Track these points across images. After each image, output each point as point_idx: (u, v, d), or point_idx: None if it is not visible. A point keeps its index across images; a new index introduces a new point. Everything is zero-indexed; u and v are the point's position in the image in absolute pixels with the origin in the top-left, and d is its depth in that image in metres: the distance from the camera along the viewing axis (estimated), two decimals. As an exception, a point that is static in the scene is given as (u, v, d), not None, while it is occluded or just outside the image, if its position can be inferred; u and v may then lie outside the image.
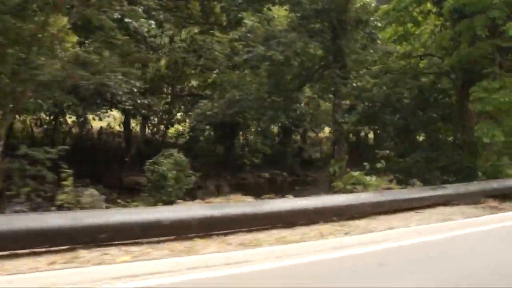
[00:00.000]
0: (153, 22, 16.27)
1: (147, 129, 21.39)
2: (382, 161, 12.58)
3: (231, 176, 23.05)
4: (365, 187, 10.81)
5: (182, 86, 23.51)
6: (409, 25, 18.54)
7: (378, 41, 13.89)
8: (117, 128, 22.11)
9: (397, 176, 16.00)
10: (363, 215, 9.27)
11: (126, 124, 20.46)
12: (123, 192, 17.32)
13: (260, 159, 18.51)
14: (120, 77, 15.97)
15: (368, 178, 10.93)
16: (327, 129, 26.22)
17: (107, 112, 17.56)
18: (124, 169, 20.25)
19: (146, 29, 16.15)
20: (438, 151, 15.76)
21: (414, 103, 16.80)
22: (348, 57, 12.96)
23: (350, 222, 8.96)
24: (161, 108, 20.88)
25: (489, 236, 8.40)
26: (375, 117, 16.46)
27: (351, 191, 10.77)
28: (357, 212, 9.05)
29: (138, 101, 17.04)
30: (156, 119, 21.24)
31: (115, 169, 19.88)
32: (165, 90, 23.18)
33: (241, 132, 22.37)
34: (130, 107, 16.88)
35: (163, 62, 21.84)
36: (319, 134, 26.92)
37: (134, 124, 21.79)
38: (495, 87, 12.55)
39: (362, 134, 27.20)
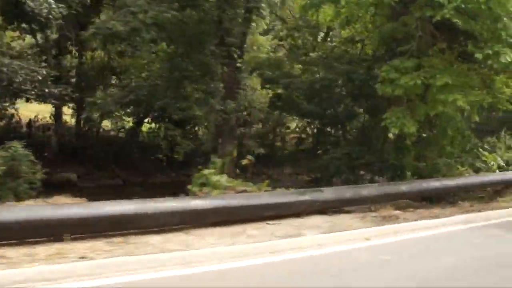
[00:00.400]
0: (52, 2, 13.64)
1: (82, 122, 18.88)
2: (249, 156, 9.65)
3: (176, 172, 20.34)
4: (214, 188, 7.93)
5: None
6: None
7: (263, 11, 10.90)
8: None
9: (315, 175, 13.06)
10: (170, 228, 6.43)
11: (56, 116, 18.03)
12: (50, 189, 15.00)
13: (182, 156, 15.81)
14: (17, 62, 13.56)
15: (216, 177, 8.04)
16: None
17: (6, 102, 15.14)
18: (54, 164, 17.79)
19: (46, 10, 13.54)
20: (366, 146, 12.61)
21: (345, 92, 13.67)
22: (230, 31, 10.02)
23: (141, 239, 6.14)
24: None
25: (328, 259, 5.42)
26: (294, 106, 13.45)
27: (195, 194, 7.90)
28: (156, 224, 6.23)
29: (46, 90, 14.45)
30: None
31: (42, 165, 17.41)
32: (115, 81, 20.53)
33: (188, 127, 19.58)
34: (32, 97, 14.35)
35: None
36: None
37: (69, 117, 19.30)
38: (407, 66, 9.39)
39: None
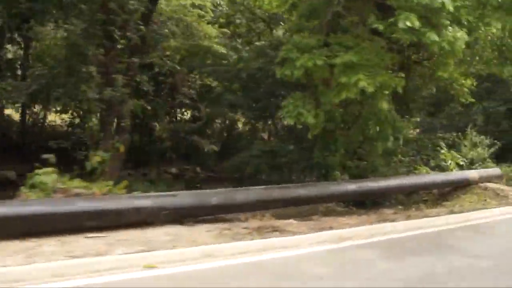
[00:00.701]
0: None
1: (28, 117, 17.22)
2: (103, 154, 7.77)
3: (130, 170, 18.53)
4: (41, 190, 6.10)
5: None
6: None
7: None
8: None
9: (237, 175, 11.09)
10: None
11: (-5, 109, 16.41)
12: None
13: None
14: None
15: (41, 178, 6.21)
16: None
17: None
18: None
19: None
20: (298, 143, 10.58)
21: (275, 81, 11.59)
22: (107, 8, 8.04)
23: None
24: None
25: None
26: (217, 97, 11.52)
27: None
28: None
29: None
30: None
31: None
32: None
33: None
34: None
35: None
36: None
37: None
38: (309, 43, 7.37)
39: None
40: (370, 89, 6.75)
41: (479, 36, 8.76)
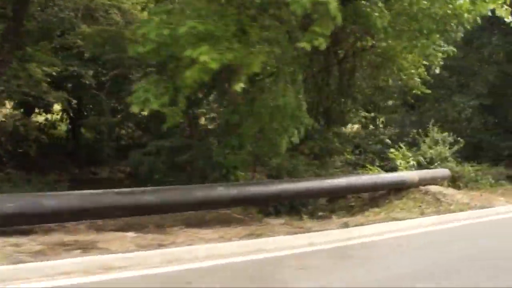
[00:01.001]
0: None
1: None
2: None
3: (81, 169, 17.16)
4: None
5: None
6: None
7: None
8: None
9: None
10: None
11: None
12: None
13: (34, 151, 12.55)
14: None
15: None
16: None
17: None
18: None
19: None
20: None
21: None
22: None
23: None
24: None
25: None
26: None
27: None
28: None
29: None
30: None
31: None
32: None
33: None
34: None
35: None
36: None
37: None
38: (161, 11, 5.76)
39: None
40: (213, 65, 5.10)
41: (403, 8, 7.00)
